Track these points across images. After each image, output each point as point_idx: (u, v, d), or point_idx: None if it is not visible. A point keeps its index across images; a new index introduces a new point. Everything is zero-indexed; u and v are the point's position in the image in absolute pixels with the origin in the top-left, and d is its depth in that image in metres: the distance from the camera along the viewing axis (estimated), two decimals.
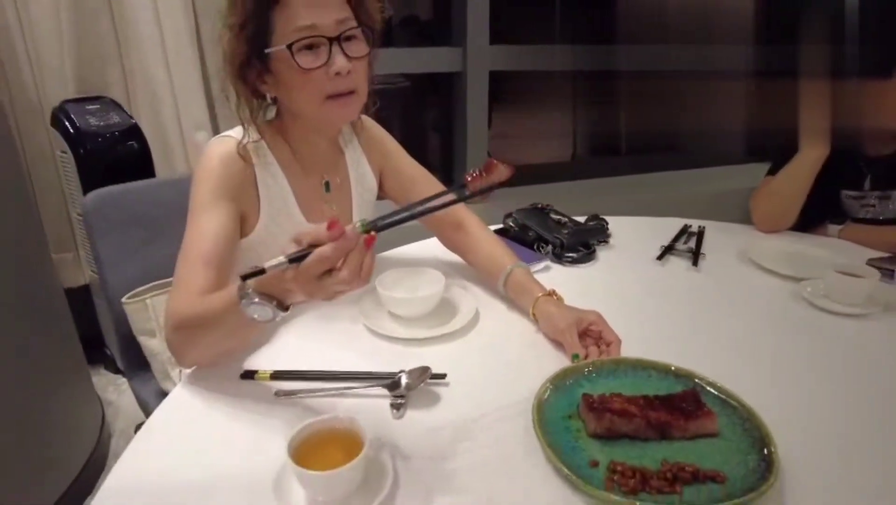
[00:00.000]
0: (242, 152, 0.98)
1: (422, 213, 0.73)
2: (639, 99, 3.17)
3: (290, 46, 0.90)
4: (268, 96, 1.00)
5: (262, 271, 0.67)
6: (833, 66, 1.36)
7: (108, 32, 1.92)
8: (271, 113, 1.05)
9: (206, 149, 1.00)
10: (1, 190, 1.49)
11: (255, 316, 0.72)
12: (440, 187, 1.20)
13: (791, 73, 1.40)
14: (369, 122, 1.20)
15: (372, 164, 1.19)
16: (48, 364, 1.62)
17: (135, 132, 1.90)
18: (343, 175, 1.15)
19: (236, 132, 1.01)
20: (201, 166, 0.98)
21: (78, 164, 1.84)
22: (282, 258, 0.67)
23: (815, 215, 1.53)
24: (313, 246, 0.66)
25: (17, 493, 1.47)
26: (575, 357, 0.89)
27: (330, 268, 0.67)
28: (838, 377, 0.89)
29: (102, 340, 2.21)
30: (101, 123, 1.86)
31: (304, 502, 0.63)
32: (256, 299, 0.71)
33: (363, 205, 1.18)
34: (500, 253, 1.12)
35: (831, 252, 1.27)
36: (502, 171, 0.72)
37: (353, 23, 0.95)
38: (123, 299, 1.23)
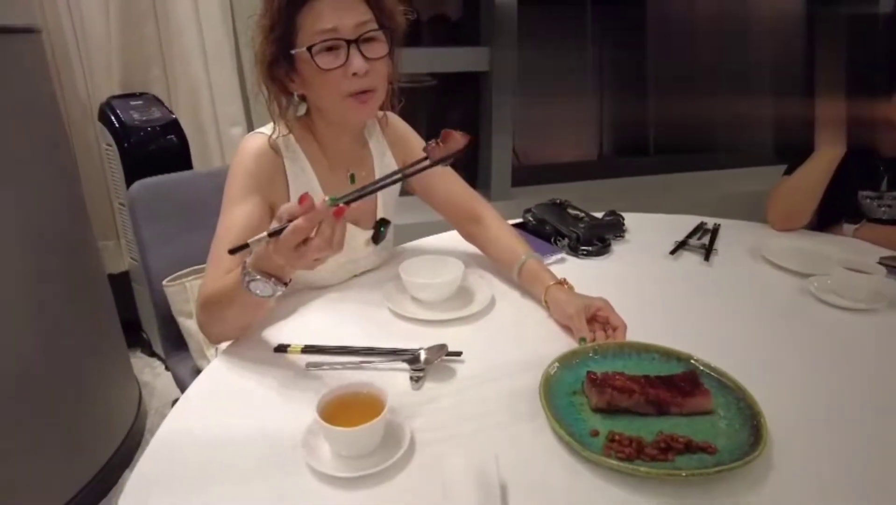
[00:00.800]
0: (273, 145, 1.06)
1: (381, 187, 0.82)
2: (668, 98, 3.17)
3: (310, 48, 0.97)
4: (295, 94, 1.07)
5: (246, 246, 0.77)
6: (849, 72, 1.38)
7: (153, 35, 2.04)
8: (302, 109, 1.12)
9: (240, 144, 1.08)
10: (55, 180, 1.61)
11: (257, 292, 0.81)
12: (459, 181, 1.27)
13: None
14: (394, 118, 1.26)
15: (396, 158, 1.25)
16: (92, 345, 1.73)
17: (174, 127, 2.01)
18: (368, 168, 1.21)
19: (268, 128, 1.09)
20: (235, 161, 1.06)
21: (122, 156, 1.96)
22: (263, 234, 0.76)
23: (831, 215, 1.56)
24: (291, 221, 0.74)
25: (62, 464, 1.58)
26: (582, 340, 0.95)
27: (305, 238, 0.75)
28: (837, 367, 0.92)
29: (139, 325, 2.32)
30: (144, 118, 1.97)
31: (330, 457, 0.71)
32: (257, 277, 0.80)
33: (388, 198, 1.24)
34: (515, 244, 1.18)
35: (842, 250, 1.29)
36: (458, 140, 0.79)
37: (374, 25, 1.00)
38: (164, 282, 1.32)
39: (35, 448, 1.49)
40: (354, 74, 0.98)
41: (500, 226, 1.24)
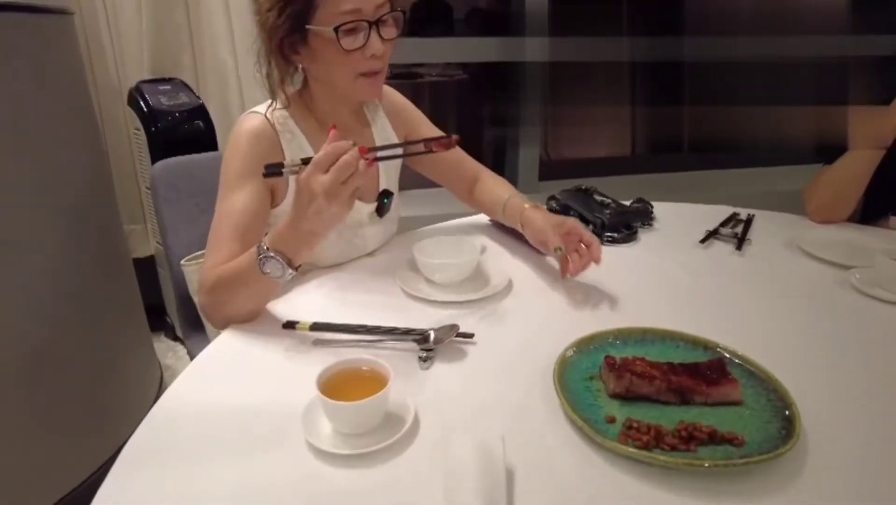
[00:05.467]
0: (271, 119, 1.05)
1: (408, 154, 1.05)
2: (703, 94, 3.08)
3: (336, 29, 0.96)
4: (299, 66, 1.06)
5: (280, 170, 0.83)
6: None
7: (183, 21, 2.06)
8: (297, 83, 1.11)
9: (236, 125, 1.06)
10: (85, 163, 1.62)
11: (268, 271, 0.84)
12: (462, 154, 1.30)
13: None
14: (389, 90, 1.26)
15: (397, 130, 1.24)
16: (115, 327, 1.74)
17: (201, 112, 2.02)
18: (368, 142, 1.19)
19: (263, 107, 1.07)
20: (231, 143, 1.05)
21: (149, 140, 1.97)
22: (298, 160, 0.82)
23: (877, 207, 1.47)
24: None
25: (82, 443, 1.59)
26: (557, 250, 1.01)
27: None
28: (878, 362, 0.86)
29: (164, 309, 2.35)
30: (172, 103, 1.98)
31: (330, 434, 0.68)
32: (271, 254, 0.83)
33: (389, 171, 1.23)
34: (501, 188, 1.24)
35: (884, 241, 1.22)
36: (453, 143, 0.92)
37: (389, 7, 1.01)
38: (182, 262, 1.31)
39: (56, 427, 1.51)
40: (373, 56, 0.99)
41: (495, 179, 1.29)
